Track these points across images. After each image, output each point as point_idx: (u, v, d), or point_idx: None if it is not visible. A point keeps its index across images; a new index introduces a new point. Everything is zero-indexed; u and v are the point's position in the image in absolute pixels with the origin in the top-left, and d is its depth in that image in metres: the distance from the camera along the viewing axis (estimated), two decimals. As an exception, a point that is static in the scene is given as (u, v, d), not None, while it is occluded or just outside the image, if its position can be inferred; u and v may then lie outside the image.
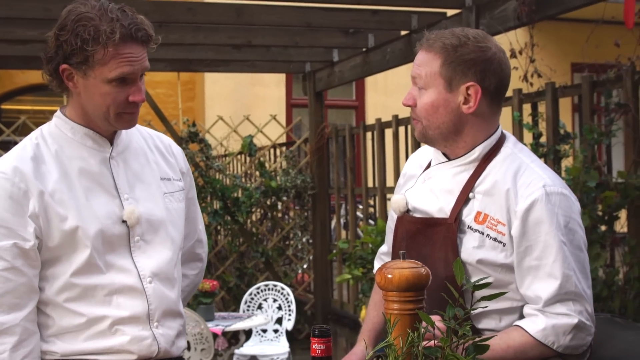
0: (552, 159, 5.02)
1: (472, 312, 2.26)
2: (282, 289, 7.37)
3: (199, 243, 2.69)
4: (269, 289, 7.41)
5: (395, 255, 2.44)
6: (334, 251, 7.99)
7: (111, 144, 2.36)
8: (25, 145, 2.31)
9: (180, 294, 2.49)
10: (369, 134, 7.71)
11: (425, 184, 2.44)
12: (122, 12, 2.21)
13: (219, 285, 8.15)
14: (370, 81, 12.27)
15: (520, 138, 5.36)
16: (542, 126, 5.20)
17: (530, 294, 2.24)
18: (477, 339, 1.82)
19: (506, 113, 5.15)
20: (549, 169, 2.37)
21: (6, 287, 2.20)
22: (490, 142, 2.36)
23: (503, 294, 1.98)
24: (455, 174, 2.37)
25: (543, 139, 5.17)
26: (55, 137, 2.33)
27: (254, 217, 9.05)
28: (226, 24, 6.47)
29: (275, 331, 7.22)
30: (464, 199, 2.32)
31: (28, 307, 2.23)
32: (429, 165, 2.49)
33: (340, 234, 8.38)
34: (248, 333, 7.21)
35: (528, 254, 2.22)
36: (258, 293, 7.39)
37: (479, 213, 2.29)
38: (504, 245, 2.25)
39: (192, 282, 2.69)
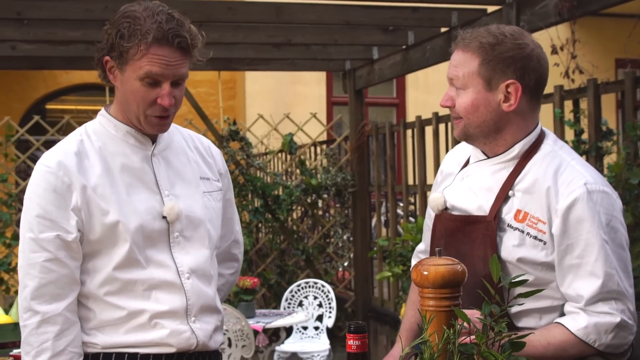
0: (594, 156, 4.97)
1: (511, 310, 2.26)
2: (323, 286, 7.39)
3: (235, 243, 2.72)
4: (309, 287, 7.43)
5: (433, 253, 2.43)
6: (374, 249, 7.98)
7: (153, 142, 2.40)
8: (70, 141, 2.36)
9: (217, 291, 2.51)
10: (409, 132, 7.69)
11: (463, 181, 2.42)
12: (169, 16, 2.24)
13: (260, 283, 8.20)
14: (411, 79, 12.23)
15: (562, 135, 5.32)
16: (584, 123, 5.15)
17: (571, 292, 2.22)
18: (514, 336, 1.82)
19: (547, 110, 5.14)
20: (590, 166, 2.34)
21: (49, 277, 2.25)
22: (530, 139, 2.34)
23: (540, 291, 1.97)
24: (495, 171, 2.35)
25: (585, 136, 5.12)
26: (99, 134, 2.38)
27: (294, 215, 9.07)
28: (266, 22, 6.50)
29: (316, 328, 7.24)
30: (503, 196, 2.30)
31: (69, 297, 2.28)
32: (466, 163, 2.47)
33: (380, 231, 8.37)
34: (289, 330, 7.25)
35: (569, 253, 2.20)
36: (299, 290, 7.41)
37: (518, 211, 2.27)
38: (545, 243, 2.23)
39: (227, 282, 2.72)
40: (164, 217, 2.35)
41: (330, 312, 7.28)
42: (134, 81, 2.25)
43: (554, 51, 5.35)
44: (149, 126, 2.33)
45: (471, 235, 2.32)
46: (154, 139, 2.40)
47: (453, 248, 2.35)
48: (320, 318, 7.30)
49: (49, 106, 12.92)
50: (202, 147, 2.56)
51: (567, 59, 5.22)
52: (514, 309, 2.26)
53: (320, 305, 7.34)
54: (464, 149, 2.53)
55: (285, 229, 8.63)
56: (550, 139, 2.38)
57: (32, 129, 8.45)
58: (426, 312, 1.84)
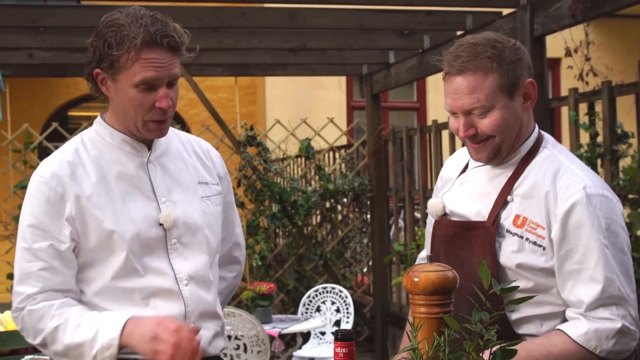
0: (609, 159, 4.92)
1: (512, 317, 2.24)
2: (340, 291, 7.38)
3: (237, 246, 2.71)
4: (327, 292, 7.42)
5: (434, 259, 2.41)
6: (391, 253, 7.95)
7: (149, 149, 2.39)
8: (65, 150, 2.37)
9: (217, 296, 2.51)
10: (427, 136, 7.66)
11: (462, 187, 2.40)
12: (153, 19, 2.24)
13: (278, 288, 8.20)
14: (431, 82, 12.18)
15: (577, 138, 5.27)
16: (599, 126, 5.10)
17: (572, 298, 2.19)
18: (505, 344, 1.79)
19: (562, 113, 5.09)
20: (589, 170, 2.31)
21: (45, 285, 2.25)
22: (529, 144, 2.31)
23: (531, 297, 1.94)
24: (493, 176, 2.32)
25: (600, 139, 5.07)
26: (95, 142, 2.38)
27: (313, 221, 9.06)
28: (280, 27, 6.50)
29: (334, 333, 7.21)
30: (502, 202, 2.27)
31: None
32: (465, 168, 2.45)
33: (398, 236, 8.34)
34: (306, 335, 7.23)
35: (569, 258, 2.17)
36: (316, 296, 7.40)
37: (517, 216, 2.24)
38: (544, 249, 2.20)
39: (230, 285, 2.72)
40: (161, 224, 2.34)
41: (347, 317, 7.26)
42: (128, 89, 2.24)
43: (568, 53, 5.29)
44: (148, 132, 2.32)
45: (470, 241, 2.30)
46: (149, 146, 2.39)
47: (452, 254, 2.33)
48: (338, 323, 7.29)
49: (71, 113, 12.99)
50: (200, 150, 2.55)
51: (581, 61, 5.16)
52: (514, 316, 2.24)
53: (338, 310, 7.33)
54: (463, 154, 2.50)
55: (303, 234, 8.62)
56: (549, 143, 2.35)
57: (53, 136, 8.50)
58: (414, 318, 1.82)
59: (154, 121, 2.30)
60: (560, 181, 2.22)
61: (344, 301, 7.31)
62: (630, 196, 4.63)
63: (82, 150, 2.36)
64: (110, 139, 2.37)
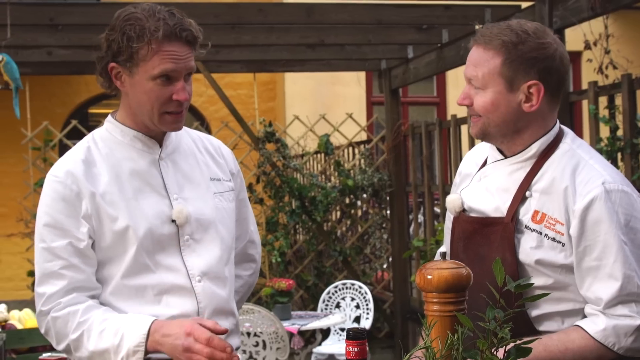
0: (629, 153, 4.87)
1: (531, 314, 2.22)
2: (360, 287, 7.36)
3: (252, 244, 2.70)
4: (346, 288, 7.41)
5: (453, 255, 2.39)
6: (410, 249, 7.93)
7: (160, 146, 2.39)
8: (78, 149, 2.37)
9: (232, 293, 2.50)
10: (446, 131, 7.62)
11: (481, 182, 2.37)
12: (170, 13, 2.27)
13: (297, 285, 8.19)
14: (451, 77, 12.12)
15: (597, 132, 5.22)
16: (619, 119, 5.05)
17: (590, 295, 2.16)
18: (519, 342, 1.77)
19: (583, 106, 5.05)
20: (609, 165, 2.28)
21: (67, 284, 2.25)
22: (548, 139, 2.28)
23: (546, 294, 1.92)
24: (512, 171, 2.30)
25: (620, 133, 5.02)
26: (106, 141, 2.38)
27: (332, 217, 9.05)
28: (298, 23, 6.50)
29: (354, 330, 7.19)
30: (520, 197, 2.24)
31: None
32: (484, 163, 2.42)
33: (417, 232, 8.31)
34: (326, 332, 7.23)
35: (587, 254, 2.14)
36: (336, 292, 7.39)
37: (536, 212, 2.21)
38: (563, 245, 2.17)
39: (246, 283, 2.70)
40: (173, 221, 2.34)
41: (367, 313, 7.25)
42: (146, 82, 2.26)
43: (587, 47, 5.25)
44: (164, 125, 2.32)
45: (489, 237, 2.28)
46: (161, 143, 2.40)
47: (472, 250, 2.31)
48: (357, 319, 7.27)
49: (91, 110, 13.05)
50: (212, 147, 2.55)
51: (600, 54, 5.11)
52: (534, 313, 2.22)
53: (357, 306, 7.31)
54: (482, 149, 2.48)
55: (323, 231, 8.61)
56: (569, 137, 2.31)
57: (73, 134, 8.54)
58: (427, 316, 1.80)
59: (170, 113, 2.30)
60: (580, 176, 2.19)
61: (364, 297, 7.29)
62: (651, 190, 4.57)
63: (94, 148, 2.37)
64: (121, 136, 2.38)
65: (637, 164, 4.87)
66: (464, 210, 2.39)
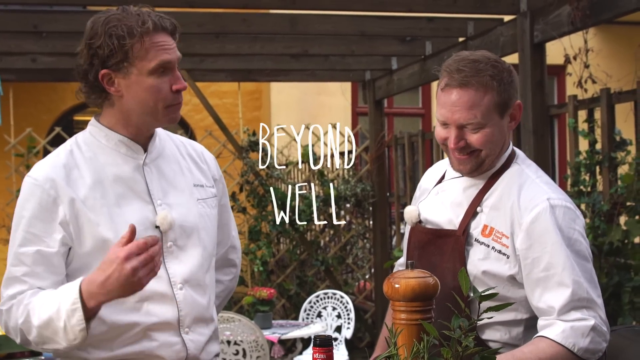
0: (607, 166, 4.92)
1: (477, 323, 2.27)
2: (342, 297, 7.38)
3: (233, 249, 2.70)
4: (328, 297, 7.42)
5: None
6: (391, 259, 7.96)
7: (145, 151, 2.38)
8: (59, 153, 2.34)
9: (212, 300, 2.49)
10: (429, 142, 7.67)
11: (437, 196, 2.50)
12: (141, 9, 2.27)
13: (279, 294, 8.19)
14: (436, 89, 12.18)
15: (576, 145, 5.26)
16: (598, 133, 5.10)
17: (542, 305, 2.25)
18: (484, 351, 1.80)
19: (566, 120, 5.10)
20: (554, 184, 2.39)
21: (27, 289, 2.23)
22: (503, 158, 2.40)
23: (510, 304, 1.95)
24: (466, 187, 2.41)
25: (599, 146, 5.06)
26: (90, 145, 2.35)
27: (316, 227, 9.05)
28: (282, 33, 6.52)
29: (335, 339, 7.21)
30: (472, 212, 2.36)
31: None
32: (442, 179, 2.54)
33: (400, 242, 8.34)
34: (307, 341, 7.23)
35: (536, 266, 2.24)
36: (317, 301, 7.40)
37: (485, 226, 2.33)
38: (508, 257, 2.28)
39: (226, 288, 2.71)
40: (157, 227, 2.32)
41: (348, 323, 7.26)
42: (145, 78, 2.24)
43: (567, 60, 5.30)
44: (170, 118, 2.32)
45: (442, 247, 2.39)
46: (146, 148, 2.38)
47: (425, 259, 2.41)
48: (339, 329, 7.28)
49: (77, 117, 13.03)
50: (195, 153, 2.54)
51: (580, 68, 5.17)
52: (479, 322, 2.27)
53: (339, 316, 7.33)
54: (441, 166, 2.62)
55: (305, 240, 8.62)
56: (520, 158, 2.44)
57: (57, 141, 8.53)
58: (392, 325, 1.82)
59: (172, 106, 2.31)
60: (525, 193, 2.31)
61: (345, 307, 7.31)
62: (628, 203, 4.63)
63: (77, 152, 2.33)
64: (105, 140, 2.35)
65: (614, 177, 4.92)
66: (420, 221, 2.50)
